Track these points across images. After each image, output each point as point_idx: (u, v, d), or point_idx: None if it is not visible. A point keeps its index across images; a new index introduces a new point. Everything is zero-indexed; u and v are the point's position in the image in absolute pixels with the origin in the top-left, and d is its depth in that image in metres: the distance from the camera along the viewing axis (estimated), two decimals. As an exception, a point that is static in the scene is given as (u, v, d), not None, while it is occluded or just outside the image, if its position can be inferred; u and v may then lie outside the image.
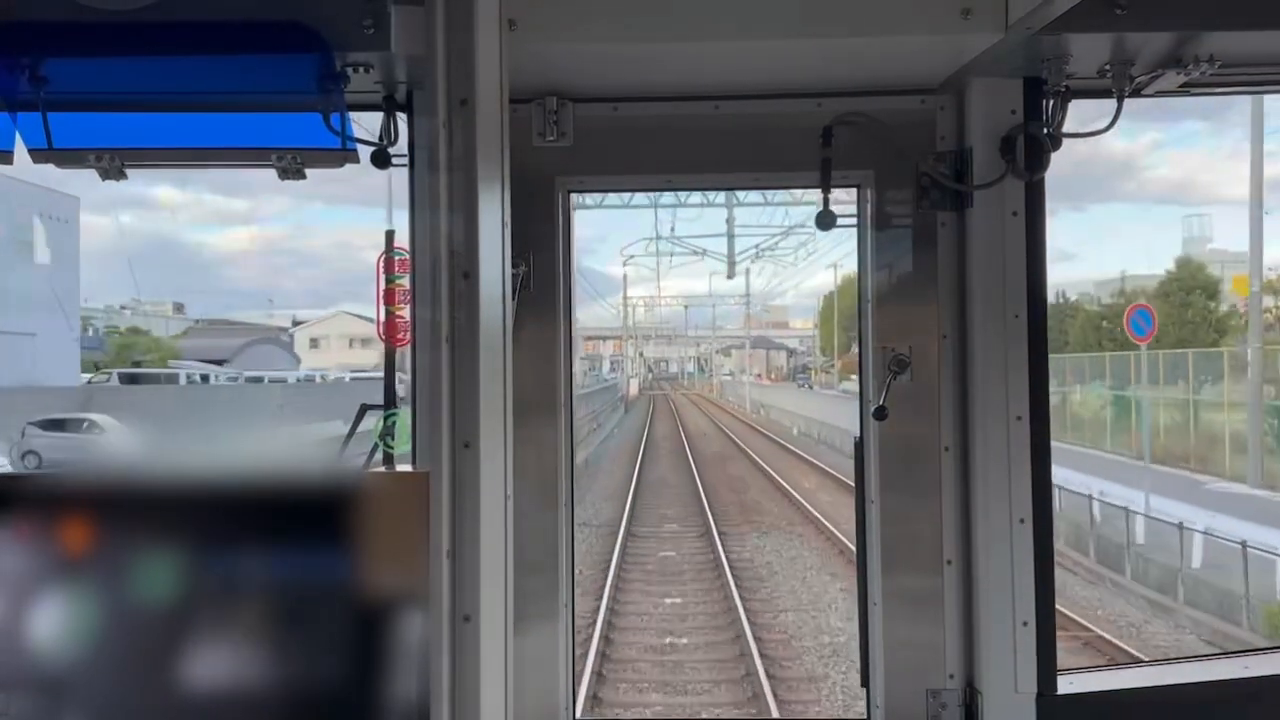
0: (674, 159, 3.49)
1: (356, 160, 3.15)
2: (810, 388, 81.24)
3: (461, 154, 2.36)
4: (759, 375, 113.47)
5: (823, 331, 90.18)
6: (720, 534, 23.21)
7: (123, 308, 69.33)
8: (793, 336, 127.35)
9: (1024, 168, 3.20)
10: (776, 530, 24.44)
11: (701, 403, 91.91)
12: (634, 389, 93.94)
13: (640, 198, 45.95)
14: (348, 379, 52.45)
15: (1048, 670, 3.27)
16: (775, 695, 12.87)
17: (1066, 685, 3.32)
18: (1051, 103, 3.20)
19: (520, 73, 2.98)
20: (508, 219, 2.56)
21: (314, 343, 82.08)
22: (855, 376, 3.95)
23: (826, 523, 24.02)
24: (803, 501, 27.78)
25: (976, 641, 3.32)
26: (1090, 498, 22.50)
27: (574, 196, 3.66)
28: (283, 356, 65.01)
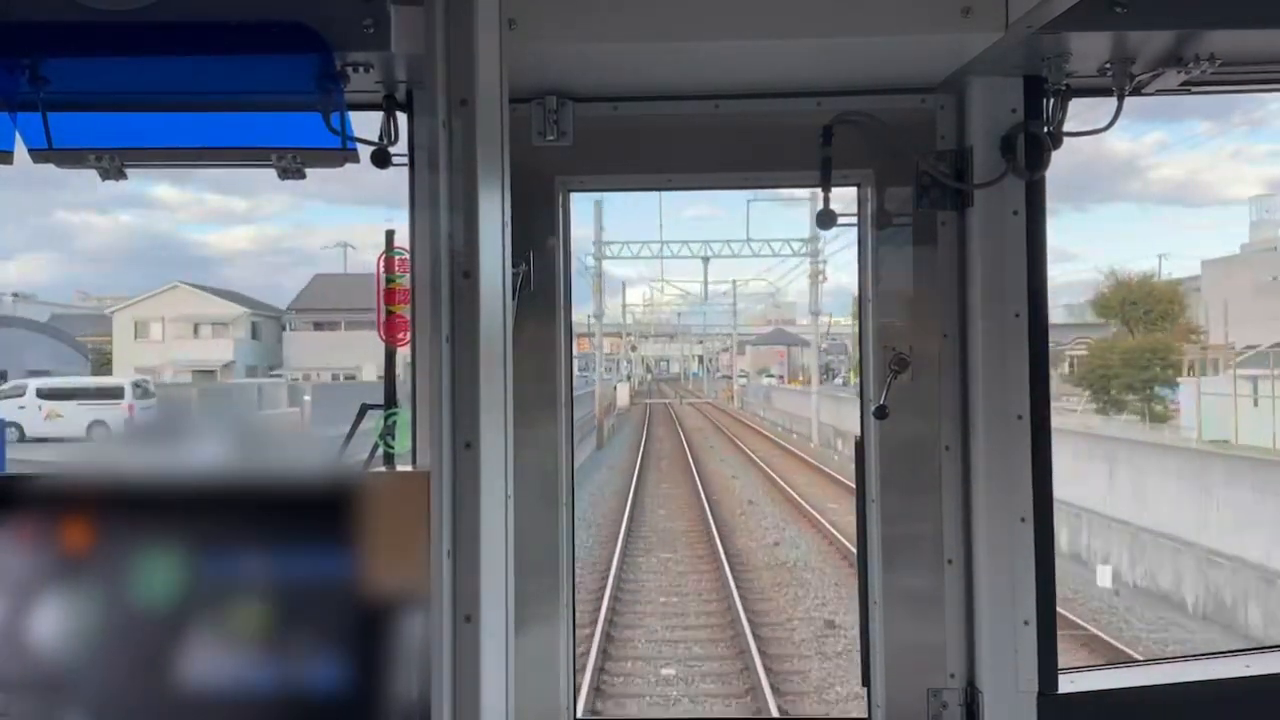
0: (674, 158, 3.49)
1: (356, 160, 3.16)
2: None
3: (461, 153, 2.36)
4: (781, 377, 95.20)
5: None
6: None
7: (15, 295, 59.11)
8: (806, 333, 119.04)
9: (1024, 166, 3.20)
10: None
11: (722, 420, 61.40)
12: (623, 396, 72.11)
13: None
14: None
15: (1049, 669, 3.26)
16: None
17: (1067, 684, 3.31)
18: (1052, 101, 3.20)
19: (520, 72, 2.98)
20: (508, 218, 2.56)
21: (140, 328, 58.08)
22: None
23: None
24: None
25: (977, 640, 3.32)
26: None
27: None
28: (54, 350, 46.15)
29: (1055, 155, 3.24)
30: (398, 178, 3.24)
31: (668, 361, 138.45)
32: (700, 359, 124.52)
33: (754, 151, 3.46)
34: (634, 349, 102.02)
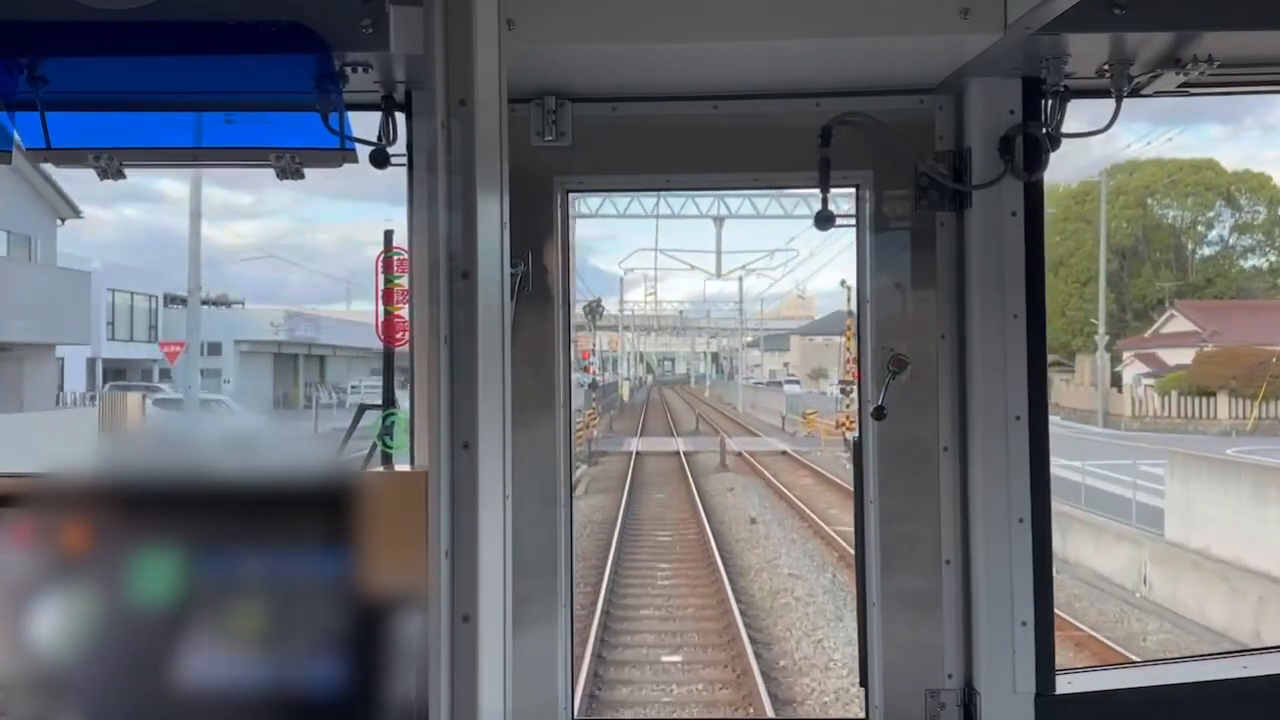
0: (673, 159, 3.49)
1: (355, 160, 3.16)
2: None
3: (460, 154, 2.36)
4: (844, 383, 73.39)
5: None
6: None
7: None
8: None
9: (1023, 168, 3.20)
10: None
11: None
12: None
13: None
14: None
15: (1046, 670, 3.26)
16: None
17: (1065, 685, 3.32)
18: (1050, 102, 3.20)
19: (519, 72, 2.98)
20: (506, 219, 2.56)
21: None
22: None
23: None
24: None
25: (975, 641, 3.32)
26: None
27: (575, 202, 3.66)
28: None
29: (1058, 156, 3.25)
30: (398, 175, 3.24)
31: (672, 360, 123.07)
32: (714, 357, 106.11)
33: (753, 152, 3.46)
34: (593, 329, 56.79)
